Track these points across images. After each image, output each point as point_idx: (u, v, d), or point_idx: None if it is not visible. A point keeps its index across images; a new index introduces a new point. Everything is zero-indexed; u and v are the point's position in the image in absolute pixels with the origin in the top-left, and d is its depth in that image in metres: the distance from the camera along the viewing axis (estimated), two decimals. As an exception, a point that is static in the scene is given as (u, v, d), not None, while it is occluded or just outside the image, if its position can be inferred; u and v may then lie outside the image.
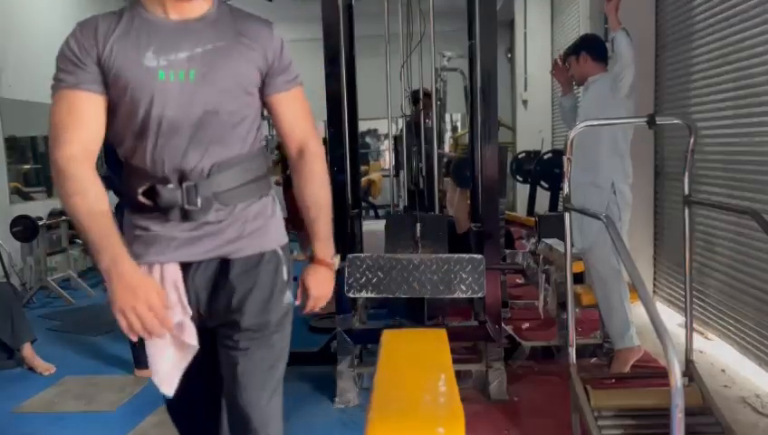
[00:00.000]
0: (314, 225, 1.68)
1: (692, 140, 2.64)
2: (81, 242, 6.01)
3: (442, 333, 2.44)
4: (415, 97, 4.52)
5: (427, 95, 4.49)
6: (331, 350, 3.42)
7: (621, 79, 3.21)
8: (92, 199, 1.41)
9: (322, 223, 1.68)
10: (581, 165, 3.29)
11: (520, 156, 8.28)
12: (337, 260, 1.87)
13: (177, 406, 1.72)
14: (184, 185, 1.49)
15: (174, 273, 1.54)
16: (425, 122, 4.37)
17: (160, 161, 1.49)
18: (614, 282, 3.27)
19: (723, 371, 3.42)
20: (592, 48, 3.51)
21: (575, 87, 3.75)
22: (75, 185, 1.41)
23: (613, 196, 3.28)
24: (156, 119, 1.46)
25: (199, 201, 1.50)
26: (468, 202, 4.20)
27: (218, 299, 1.59)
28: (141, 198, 1.51)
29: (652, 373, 3.14)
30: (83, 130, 1.44)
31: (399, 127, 5.28)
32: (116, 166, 1.72)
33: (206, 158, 1.50)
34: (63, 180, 1.41)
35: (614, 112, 3.21)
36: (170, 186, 1.49)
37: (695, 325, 2.98)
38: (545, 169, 7.38)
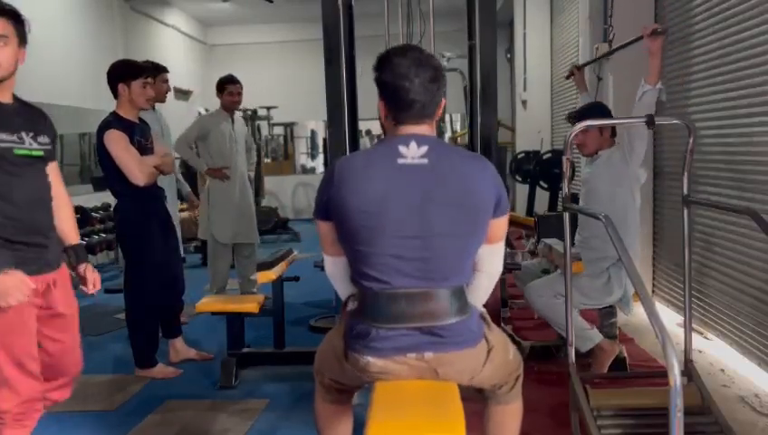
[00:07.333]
0: None
1: (691, 140, 2.64)
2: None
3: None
4: None
5: None
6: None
7: (632, 151, 3.13)
8: None
9: None
10: (582, 238, 3.33)
11: (519, 156, 8.27)
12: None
13: None
14: None
15: None
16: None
17: None
18: (552, 307, 3.25)
19: (722, 370, 3.43)
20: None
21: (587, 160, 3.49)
22: None
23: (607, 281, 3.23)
24: None
25: None
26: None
27: None
28: None
29: (651, 373, 3.15)
30: None
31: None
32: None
33: None
34: None
35: (629, 183, 3.18)
36: None
37: (694, 325, 2.98)
38: (544, 169, 7.39)
